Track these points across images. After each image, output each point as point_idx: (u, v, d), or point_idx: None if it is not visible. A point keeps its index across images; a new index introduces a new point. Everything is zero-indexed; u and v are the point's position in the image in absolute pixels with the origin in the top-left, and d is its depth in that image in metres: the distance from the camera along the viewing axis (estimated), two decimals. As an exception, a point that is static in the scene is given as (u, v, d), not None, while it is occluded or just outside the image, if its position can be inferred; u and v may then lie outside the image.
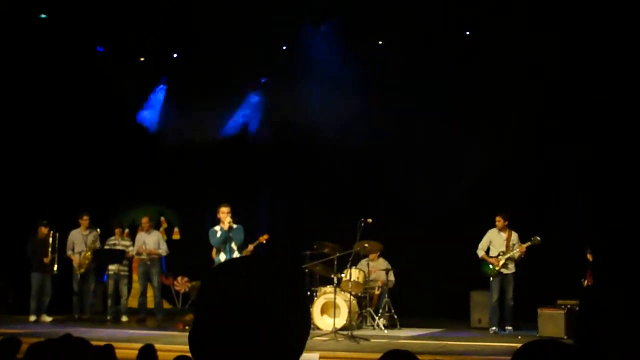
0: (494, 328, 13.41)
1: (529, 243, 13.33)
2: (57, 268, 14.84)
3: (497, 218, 13.60)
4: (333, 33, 15.48)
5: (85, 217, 15.10)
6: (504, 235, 13.60)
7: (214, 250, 14.76)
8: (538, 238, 13.27)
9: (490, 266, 13.53)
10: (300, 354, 1.68)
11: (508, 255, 13.47)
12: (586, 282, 12.68)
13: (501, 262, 13.48)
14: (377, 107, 15.23)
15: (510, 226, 13.60)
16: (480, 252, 13.66)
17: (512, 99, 14.33)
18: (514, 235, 13.55)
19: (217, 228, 12.38)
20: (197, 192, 16.63)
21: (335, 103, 15.05)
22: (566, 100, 14.44)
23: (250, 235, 12.95)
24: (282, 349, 1.64)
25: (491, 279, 13.55)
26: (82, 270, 15.00)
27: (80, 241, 15.10)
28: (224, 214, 12.32)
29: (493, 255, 13.59)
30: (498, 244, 13.62)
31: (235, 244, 12.25)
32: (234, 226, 12.30)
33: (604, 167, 14.19)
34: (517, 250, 13.40)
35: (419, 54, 15.06)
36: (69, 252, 15.06)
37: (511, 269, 13.50)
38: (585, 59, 14.18)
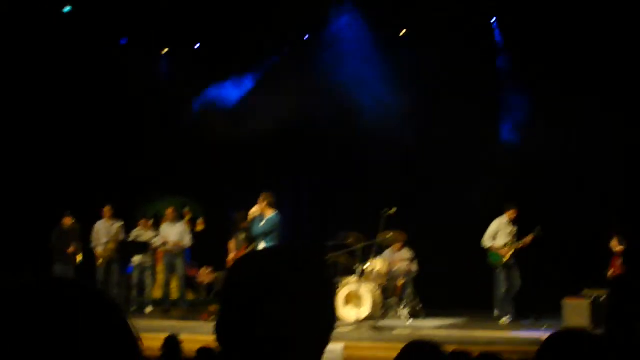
0: (508, 317, 13.38)
1: (532, 235, 13.37)
2: (82, 259, 14.93)
3: (514, 210, 13.56)
4: (359, 19, 15.52)
5: (107, 208, 15.17)
6: (512, 226, 13.59)
7: (231, 242, 14.81)
8: (539, 228, 13.31)
9: (499, 257, 13.52)
10: (326, 345, 1.67)
11: (515, 247, 13.49)
12: (611, 271, 12.58)
13: (509, 254, 13.47)
14: (403, 95, 15.18)
15: (531, 217, 13.59)
16: (489, 242, 13.60)
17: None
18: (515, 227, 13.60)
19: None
20: (220, 182, 16.65)
21: (359, 90, 15.03)
22: (595, 83, 14.31)
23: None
24: (307, 339, 1.63)
25: (497, 270, 13.52)
26: (101, 261, 15.07)
27: (105, 232, 15.18)
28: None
29: (499, 246, 13.55)
30: (505, 235, 13.59)
31: (253, 233, 12.13)
32: (257, 216, 12.14)
33: (632, 152, 14.05)
34: (522, 242, 13.42)
35: (446, 43, 14.99)
36: (94, 244, 15.14)
37: (512, 258, 13.55)
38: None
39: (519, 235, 13.56)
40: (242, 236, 14.76)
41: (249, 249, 13.21)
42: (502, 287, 13.46)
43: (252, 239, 12.21)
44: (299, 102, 15.69)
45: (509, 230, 13.62)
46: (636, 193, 13.99)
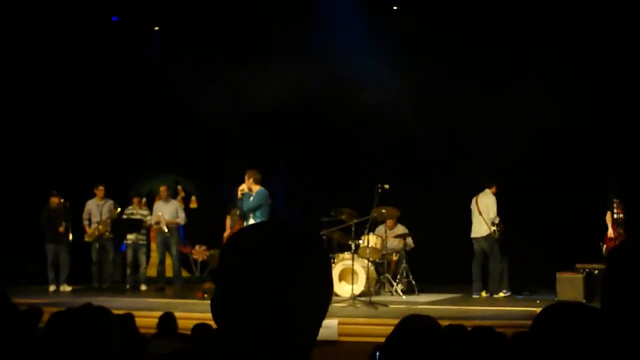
0: (504, 291, 13.47)
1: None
2: (73, 237, 14.91)
3: (495, 185, 13.69)
4: None
5: (100, 188, 15.14)
6: None
7: (227, 218, 14.76)
8: None
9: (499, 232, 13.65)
10: (322, 319, 1.66)
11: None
12: (605, 245, 12.60)
13: None
14: (393, 70, 15.14)
15: (525, 191, 13.69)
16: (497, 218, 13.66)
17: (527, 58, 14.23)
18: None
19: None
20: (213, 160, 16.62)
21: (349, 67, 14.98)
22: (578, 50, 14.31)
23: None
24: (303, 315, 1.62)
25: (494, 245, 13.60)
26: (91, 239, 15.08)
27: (96, 211, 15.17)
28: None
29: (497, 221, 13.65)
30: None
31: (243, 209, 12.13)
32: (247, 193, 12.13)
33: (621, 125, 14.04)
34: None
35: (436, 17, 14.95)
36: (85, 223, 15.14)
37: None
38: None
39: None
40: (237, 212, 14.77)
41: (243, 225, 13.18)
42: (499, 262, 13.52)
43: (244, 215, 12.21)
44: (292, 79, 15.63)
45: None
46: (633, 164, 13.97)
